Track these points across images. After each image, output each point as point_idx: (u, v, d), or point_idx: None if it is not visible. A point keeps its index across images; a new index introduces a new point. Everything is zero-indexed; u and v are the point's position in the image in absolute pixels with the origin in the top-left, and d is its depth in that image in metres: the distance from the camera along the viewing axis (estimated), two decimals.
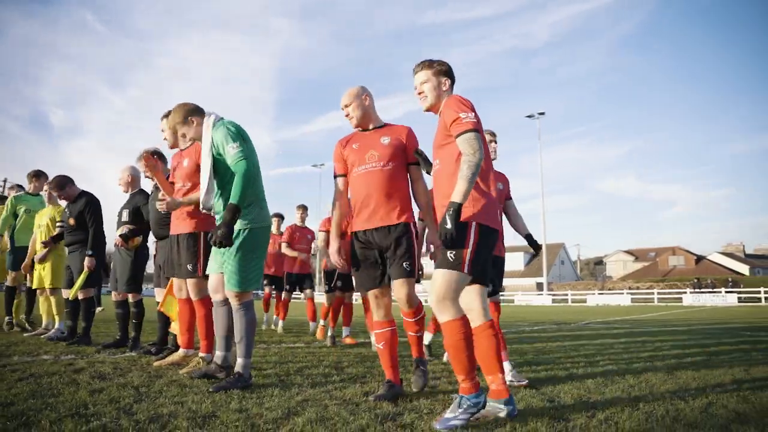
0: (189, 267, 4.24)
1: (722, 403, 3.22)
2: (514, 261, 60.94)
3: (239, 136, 3.61)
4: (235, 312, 3.64)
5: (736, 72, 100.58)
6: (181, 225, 4.33)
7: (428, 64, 3.03)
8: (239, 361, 3.61)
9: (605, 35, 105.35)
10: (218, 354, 3.91)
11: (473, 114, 2.79)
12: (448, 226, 2.58)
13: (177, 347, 4.93)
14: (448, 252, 2.71)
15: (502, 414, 2.71)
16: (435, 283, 2.75)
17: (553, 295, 43.02)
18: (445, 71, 3.02)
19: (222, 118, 3.79)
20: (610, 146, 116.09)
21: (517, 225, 4.56)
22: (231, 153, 3.53)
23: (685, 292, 38.39)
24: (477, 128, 2.75)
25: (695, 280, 45.10)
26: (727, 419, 2.83)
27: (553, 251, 63.12)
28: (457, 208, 2.60)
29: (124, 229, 5.52)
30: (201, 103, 3.99)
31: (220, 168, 3.68)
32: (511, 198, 4.63)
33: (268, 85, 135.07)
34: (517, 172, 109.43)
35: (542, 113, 43.71)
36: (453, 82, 3.05)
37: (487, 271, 2.93)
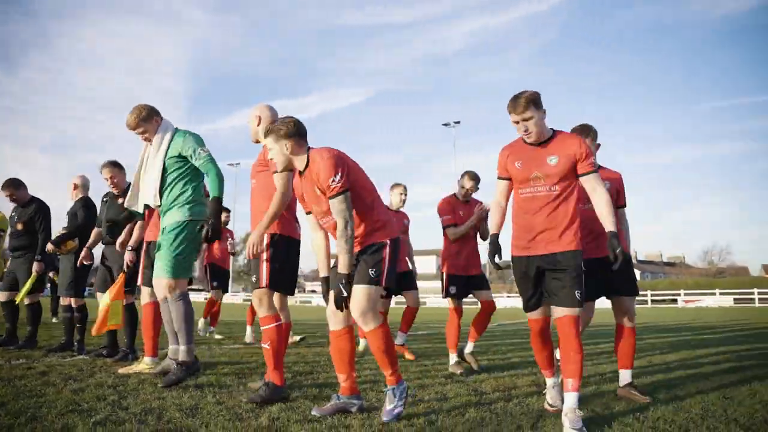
0: None
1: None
2: (425, 264, 62.85)
3: (203, 142, 4.16)
4: (171, 303, 4.02)
5: (627, 81, 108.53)
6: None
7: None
8: (181, 348, 4.01)
9: (523, 45, 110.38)
10: (173, 348, 4.30)
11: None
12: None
13: (130, 350, 5.24)
14: (369, 269, 3.11)
15: (354, 409, 3.19)
16: (357, 298, 3.08)
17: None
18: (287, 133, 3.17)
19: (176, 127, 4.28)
20: None
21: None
22: (202, 155, 4.04)
23: None
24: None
25: None
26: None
27: None
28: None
29: (56, 234, 5.86)
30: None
31: (170, 169, 4.12)
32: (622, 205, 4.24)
33: (182, 78, 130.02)
34: (429, 180, 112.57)
35: (458, 122, 45.74)
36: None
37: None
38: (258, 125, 3.95)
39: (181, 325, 4.00)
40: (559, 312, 3.07)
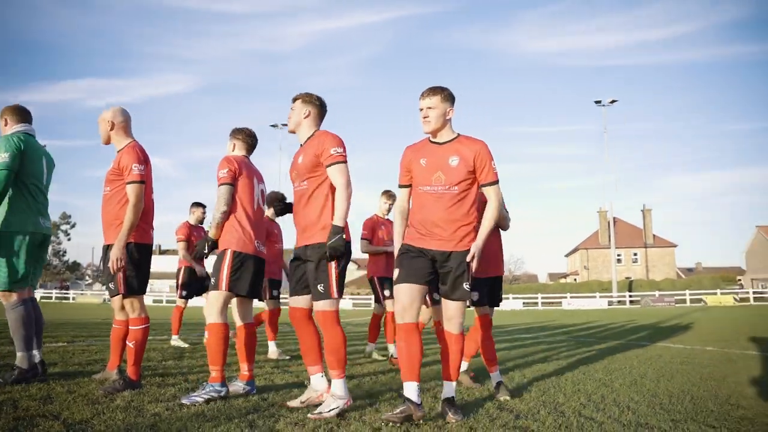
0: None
1: None
2: None
3: (10, 148, 3.97)
4: (7, 312, 4.01)
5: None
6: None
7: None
8: (18, 355, 3.95)
9: (356, 53, 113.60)
10: (22, 355, 4.03)
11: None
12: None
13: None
14: (213, 279, 3.75)
15: (241, 391, 3.82)
16: (209, 299, 3.74)
17: None
18: None
19: (20, 133, 4.15)
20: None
21: None
22: None
23: None
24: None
25: None
26: None
27: None
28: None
29: None
30: None
31: None
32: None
33: None
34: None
35: (285, 124, 46.07)
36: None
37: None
38: (111, 130, 4.05)
39: (14, 332, 3.99)
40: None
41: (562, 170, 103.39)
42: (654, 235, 61.08)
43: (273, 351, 6.54)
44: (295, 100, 3.66)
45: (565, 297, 43.77)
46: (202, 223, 8.01)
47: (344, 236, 3.32)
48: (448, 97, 3.36)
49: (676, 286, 45.99)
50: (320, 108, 3.67)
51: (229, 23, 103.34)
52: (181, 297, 7.86)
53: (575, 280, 62.14)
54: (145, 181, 3.99)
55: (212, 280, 3.76)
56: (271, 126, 46.93)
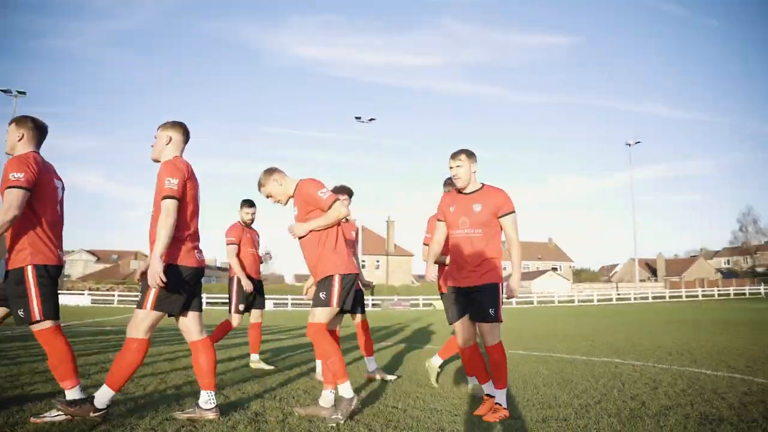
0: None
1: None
2: None
3: None
4: None
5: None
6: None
7: None
8: None
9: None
10: None
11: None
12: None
13: None
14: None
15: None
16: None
17: None
18: None
19: None
20: (79, 137, 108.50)
21: None
22: None
23: None
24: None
25: None
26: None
27: None
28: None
29: None
30: None
31: None
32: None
33: None
34: None
35: (23, 92, 39.37)
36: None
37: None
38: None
39: None
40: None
41: (325, 177, 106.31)
42: (395, 245, 67.10)
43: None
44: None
45: None
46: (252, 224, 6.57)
47: None
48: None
49: (411, 292, 51.09)
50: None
51: None
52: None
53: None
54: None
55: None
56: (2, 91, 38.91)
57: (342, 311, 3.97)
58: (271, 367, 6.03)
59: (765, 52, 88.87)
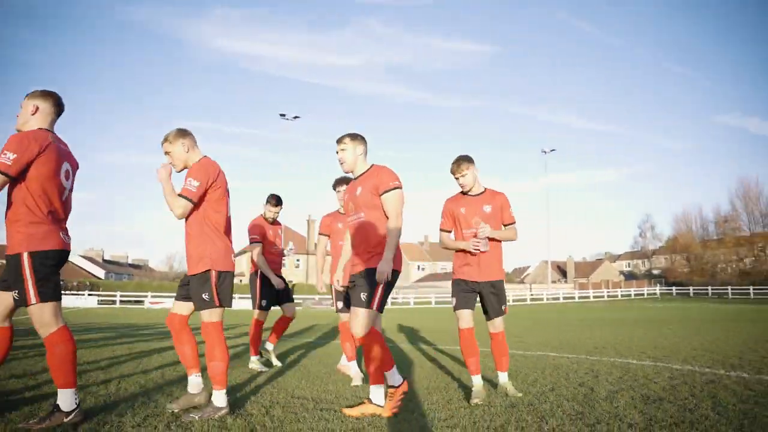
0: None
1: None
2: None
3: None
4: None
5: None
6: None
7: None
8: None
9: None
10: None
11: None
12: None
13: None
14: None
15: None
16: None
17: None
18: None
19: None
20: None
21: None
22: None
23: None
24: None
25: None
26: None
27: None
28: None
29: None
30: None
31: None
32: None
33: None
34: None
35: None
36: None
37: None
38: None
39: None
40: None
41: (244, 173, 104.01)
42: (315, 244, 66.66)
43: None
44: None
45: (234, 298, 44.09)
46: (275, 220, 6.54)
47: None
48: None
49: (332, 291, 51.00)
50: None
51: None
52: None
53: (240, 281, 63.49)
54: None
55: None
56: None
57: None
58: (265, 369, 5.87)
59: (665, 71, 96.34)
